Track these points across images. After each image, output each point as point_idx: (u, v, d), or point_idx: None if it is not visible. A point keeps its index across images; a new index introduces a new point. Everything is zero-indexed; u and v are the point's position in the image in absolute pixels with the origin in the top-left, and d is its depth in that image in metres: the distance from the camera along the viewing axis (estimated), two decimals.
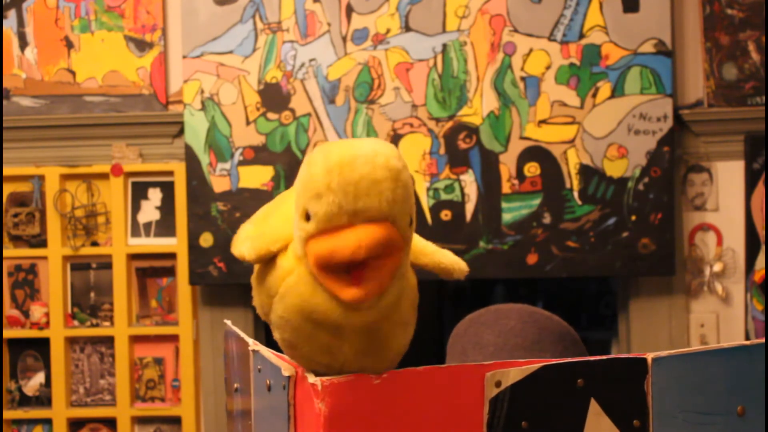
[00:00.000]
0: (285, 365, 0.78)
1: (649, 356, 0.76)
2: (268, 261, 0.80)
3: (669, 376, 0.77)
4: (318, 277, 0.73)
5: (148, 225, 3.38)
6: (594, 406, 0.76)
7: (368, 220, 0.70)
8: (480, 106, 3.17)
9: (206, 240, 3.21)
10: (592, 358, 0.76)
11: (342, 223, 0.71)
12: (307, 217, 0.73)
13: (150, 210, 3.38)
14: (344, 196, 0.70)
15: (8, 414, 3.39)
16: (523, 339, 1.28)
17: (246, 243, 0.82)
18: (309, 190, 0.72)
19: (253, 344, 0.88)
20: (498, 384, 0.74)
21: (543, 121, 3.16)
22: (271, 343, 0.88)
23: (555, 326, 1.33)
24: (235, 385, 0.96)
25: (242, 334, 0.92)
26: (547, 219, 3.15)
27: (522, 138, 3.17)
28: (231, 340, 0.99)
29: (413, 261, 0.80)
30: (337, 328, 0.74)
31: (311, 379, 0.72)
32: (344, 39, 3.21)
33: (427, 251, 0.82)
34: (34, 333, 3.38)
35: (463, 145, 3.18)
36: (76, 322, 3.38)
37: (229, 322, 1.02)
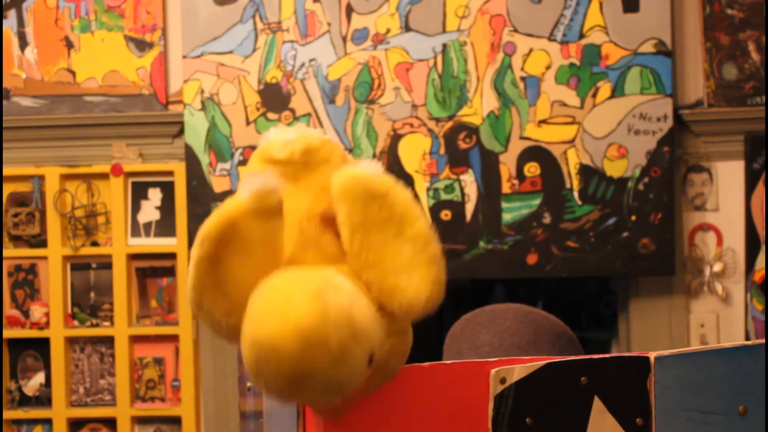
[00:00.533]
0: None
1: (652, 355, 0.77)
2: None
3: (671, 375, 0.77)
4: None
5: (148, 225, 3.38)
6: (597, 404, 0.76)
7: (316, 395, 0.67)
8: (480, 106, 3.17)
9: None
10: (596, 357, 0.77)
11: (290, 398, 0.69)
12: None
13: (150, 210, 3.38)
14: (283, 366, 0.65)
15: (8, 414, 3.39)
16: (519, 339, 1.28)
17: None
18: (245, 363, 0.69)
19: None
20: (503, 381, 0.74)
21: (543, 121, 3.17)
22: None
23: (551, 326, 1.33)
24: (248, 385, 0.97)
25: None
26: (547, 219, 3.16)
27: (522, 138, 3.17)
28: None
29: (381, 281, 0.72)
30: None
31: None
32: (344, 39, 3.21)
33: (392, 269, 0.71)
34: (34, 333, 3.37)
35: (463, 145, 3.18)
36: (76, 322, 3.38)
37: None
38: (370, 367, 0.67)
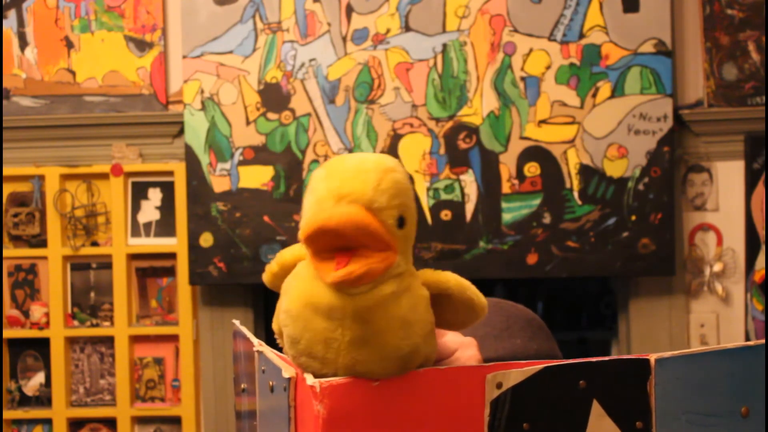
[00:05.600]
0: (286, 366, 0.78)
1: (652, 357, 0.76)
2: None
3: (672, 377, 0.77)
4: (311, 261, 0.76)
5: (148, 225, 3.37)
6: (596, 408, 0.75)
7: (351, 203, 0.73)
8: (480, 106, 3.17)
9: (206, 240, 3.21)
10: (594, 359, 0.76)
11: (329, 206, 0.74)
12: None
13: (150, 210, 3.38)
14: (332, 181, 0.74)
15: (8, 414, 3.38)
16: (492, 328, 1.29)
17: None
18: (308, 190, 0.77)
19: (258, 345, 0.88)
20: (499, 385, 0.74)
21: (543, 121, 3.16)
22: (274, 344, 0.88)
23: (521, 313, 1.35)
24: (242, 386, 0.96)
25: (249, 335, 0.92)
26: (547, 219, 3.15)
27: (522, 138, 3.16)
28: (239, 341, 0.99)
29: (459, 293, 0.81)
30: (332, 310, 0.74)
31: (310, 380, 0.72)
32: (344, 39, 3.21)
33: (470, 288, 0.83)
34: (34, 333, 3.37)
35: (463, 145, 3.18)
36: (76, 322, 3.38)
37: (237, 323, 1.02)
38: (402, 230, 0.75)
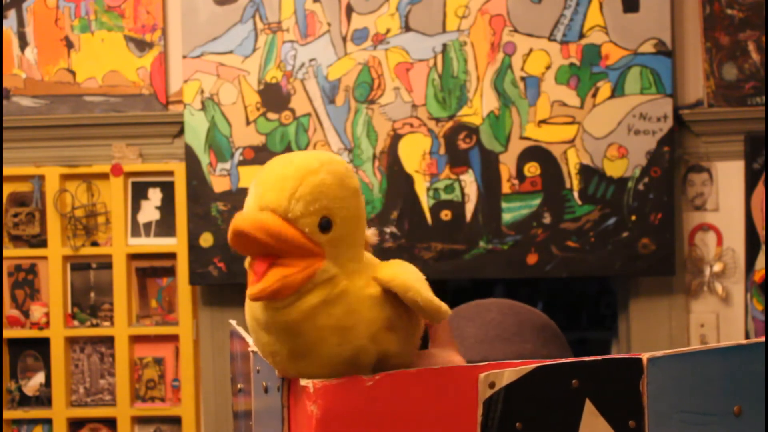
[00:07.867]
0: None
1: (645, 356, 0.76)
2: None
3: (665, 376, 0.77)
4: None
5: (148, 225, 3.38)
6: (589, 407, 0.75)
7: (269, 213, 0.73)
8: (480, 106, 3.17)
9: (206, 240, 3.21)
10: (587, 359, 0.76)
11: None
12: None
13: (150, 210, 3.38)
14: (256, 189, 0.74)
15: (8, 414, 3.39)
16: (503, 330, 1.29)
17: None
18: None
19: (253, 345, 0.88)
20: (492, 385, 0.74)
21: (543, 121, 3.16)
22: None
23: (535, 318, 1.34)
24: (239, 386, 0.96)
25: (244, 335, 0.92)
26: (547, 219, 3.15)
27: (522, 138, 3.17)
28: (235, 341, 0.99)
29: (402, 293, 0.77)
30: (266, 325, 0.74)
31: (303, 381, 0.72)
32: (344, 39, 3.21)
33: (413, 288, 0.78)
34: (34, 333, 3.38)
35: (463, 145, 3.18)
36: (76, 322, 3.38)
37: (234, 323, 1.02)
38: (328, 233, 0.73)
